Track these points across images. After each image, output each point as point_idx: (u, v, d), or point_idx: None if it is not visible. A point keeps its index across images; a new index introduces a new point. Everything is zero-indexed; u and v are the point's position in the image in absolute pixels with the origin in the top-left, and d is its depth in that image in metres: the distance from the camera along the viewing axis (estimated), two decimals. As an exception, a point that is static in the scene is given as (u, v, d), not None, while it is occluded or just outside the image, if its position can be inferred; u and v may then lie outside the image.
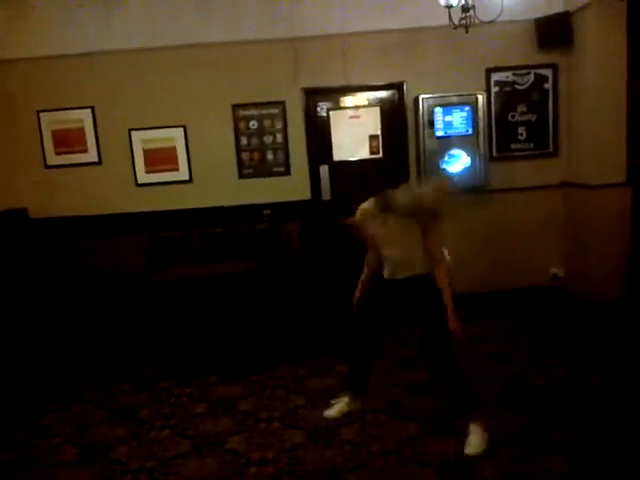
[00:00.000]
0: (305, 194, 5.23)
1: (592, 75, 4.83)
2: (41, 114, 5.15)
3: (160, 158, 5.21)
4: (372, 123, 5.27)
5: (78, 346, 4.21)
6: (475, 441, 2.90)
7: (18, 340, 4.14)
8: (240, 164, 5.26)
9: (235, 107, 5.18)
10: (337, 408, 3.39)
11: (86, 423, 3.54)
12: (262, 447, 3.08)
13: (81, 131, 5.20)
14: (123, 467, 2.99)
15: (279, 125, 5.23)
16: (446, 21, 4.28)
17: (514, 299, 5.28)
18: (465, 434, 2.96)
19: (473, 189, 5.17)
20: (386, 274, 3.12)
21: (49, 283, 4.37)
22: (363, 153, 5.29)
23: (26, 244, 4.88)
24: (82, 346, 4.22)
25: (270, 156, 5.26)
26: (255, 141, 5.25)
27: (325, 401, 3.54)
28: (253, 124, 5.22)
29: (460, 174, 5.12)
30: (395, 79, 5.19)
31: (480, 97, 5.09)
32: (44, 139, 5.20)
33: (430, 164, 5.11)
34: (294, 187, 5.22)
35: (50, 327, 4.18)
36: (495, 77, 5.22)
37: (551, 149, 5.28)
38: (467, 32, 4.26)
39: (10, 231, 4.91)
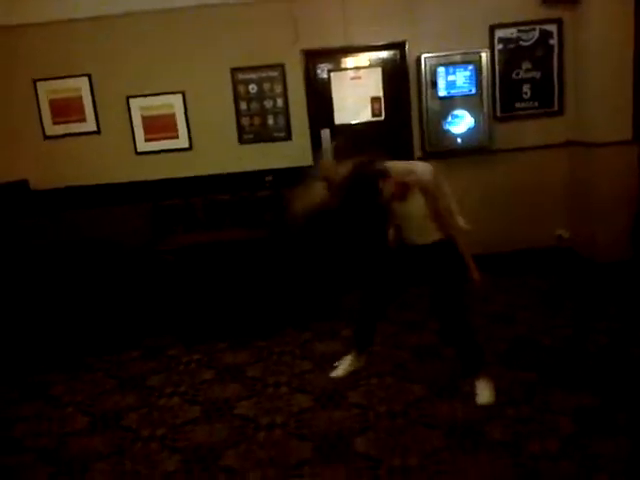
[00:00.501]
0: (307, 159, 5.17)
1: (598, 31, 4.70)
2: (38, 83, 5.07)
3: (159, 125, 5.14)
4: (374, 84, 5.17)
5: (85, 316, 4.23)
6: (486, 392, 3.02)
7: (24, 312, 4.15)
8: (240, 129, 5.19)
9: (234, 71, 5.08)
10: (342, 368, 3.47)
11: (96, 392, 3.58)
12: (270, 412, 3.12)
13: (79, 100, 5.12)
14: (134, 434, 3.03)
15: (279, 89, 5.14)
16: (448, -24, 4.16)
17: (519, 260, 5.27)
18: (472, 395, 3.03)
19: (477, 150, 5.11)
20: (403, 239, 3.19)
21: (53, 254, 4.37)
22: (365, 115, 5.21)
23: (28, 216, 4.86)
24: (89, 316, 4.24)
25: (271, 121, 5.18)
26: (255, 105, 5.16)
27: (331, 365, 3.57)
28: (252, 88, 5.13)
29: (464, 134, 5.04)
30: (396, 38, 5.06)
31: (484, 55, 4.97)
32: (42, 109, 5.13)
33: (433, 125, 5.03)
34: (296, 152, 5.15)
35: (55, 298, 4.19)
36: (499, 34, 5.08)
37: (556, 107, 5.18)
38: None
39: (11, 203, 4.90)
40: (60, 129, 5.18)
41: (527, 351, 3.59)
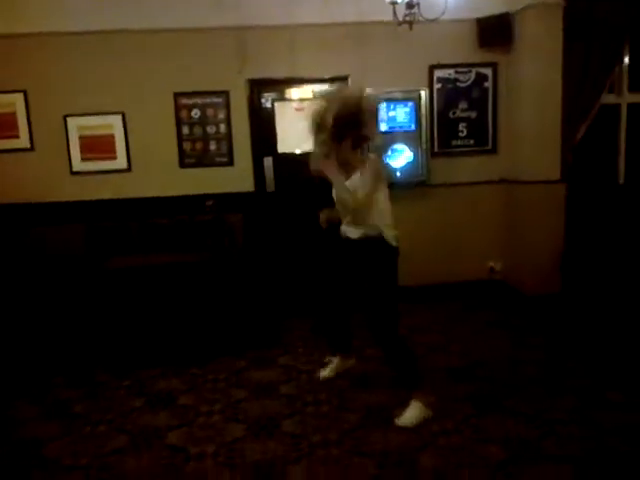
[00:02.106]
0: (249, 186, 5.17)
1: (529, 75, 5.00)
2: (-32, 96, 4.88)
3: (97, 146, 5.02)
4: (317, 116, 5.25)
5: (6, 340, 4.00)
6: (409, 413, 3.06)
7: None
8: (182, 153, 5.14)
9: (177, 95, 5.06)
10: (331, 367, 3.59)
11: (17, 420, 3.37)
12: (201, 441, 3.03)
13: (12, 115, 4.95)
14: (55, 465, 2.87)
15: (222, 115, 5.14)
16: (391, 17, 4.31)
17: (452, 292, 5.42)
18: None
19: (414, 184, 5.26)
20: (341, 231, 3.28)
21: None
22: (308, 146, 5.24)
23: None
24: (10, 340, 4.02)
25: (213, 146, 5.17)
26: (197, 130, 5.14)
27: (266, 393, 3.53)
28: (196, 113, 5.11)
29: (402, 169, 5.19)
30: (340, 72, 5.19)
31: (423, 93, 5.18)
32: (-29, 122, 4.92)
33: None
34: (237, 178, 5.15)
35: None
36: (438, 74, 5.31)
37: (490, 146, 5.43)
38: (411, 29, 4.31)
39: None
40: (-10, 145, 4.97)
41: (460, 381, 3.65)
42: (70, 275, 4.25)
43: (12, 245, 4.57)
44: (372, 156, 3.18)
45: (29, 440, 3.12)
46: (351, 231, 3.17)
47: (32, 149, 5.00)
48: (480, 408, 3.26)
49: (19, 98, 4.94)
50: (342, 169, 3.05)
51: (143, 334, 4.15)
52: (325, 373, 3.63)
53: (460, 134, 5.39)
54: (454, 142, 5.39)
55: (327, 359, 3.75)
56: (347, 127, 2.98)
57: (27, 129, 4.97)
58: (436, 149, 5.35)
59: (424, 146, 5.21)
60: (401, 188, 5.28)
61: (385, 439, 2.97)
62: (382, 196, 3.08)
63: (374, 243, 3.05)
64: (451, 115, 5.36)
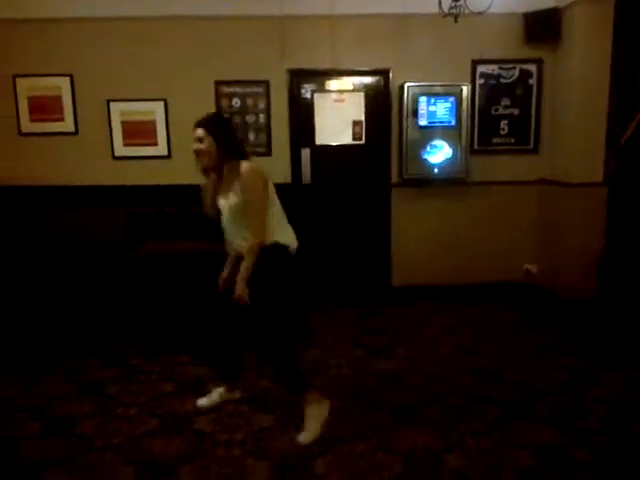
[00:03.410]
0: (285, 177, 5.18)
1: (576, 72, 4.86)
2: (17, 79, 4.99)
3: (139, 131, 5.10)
4: (356, 108, 5.23)
5: (47, 320, 4.13)
6: (310, 425, 2.92)
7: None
8: (220, 142, 5.17)
9: (218, 84, 5.09)
10: (209, 397, 3.35)
11: (52, 397, 3.48)
12: (230, 429, 3.07)
13: (58, 99, 5.05)
14: (88, 442, 2.95)
15: (262, 105, 5.16)
16: (436, 9, 4.24)
17: (486, 292, 5.35)
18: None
19: (452, 181, 5.20)
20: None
21: (18, 254, 4.27)
22: (346, 138, 5.26)
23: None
24: (51, 320, 4.14)
25: (252, 136, 5.19)
26: (237, 119, 5.16)
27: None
28: (236, 102, 5.14)
29: (441, 165, 5.13)
30: (381, 65, 5.15)
31: (465, 88, 5.09)
32: (19, 105, 5.04)
33: (412, 153, 5.11)
34: (275, 169, 5.12)
35: (18, 300, 4.09)
36: (481, 69, 5.21)
37: (531, 145, 5.31)
38: (456, 22, 4.23)
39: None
40: (37, 127, 5.09)
41: (490, 384, 3.61)
42: (109, 258, 4.34)
43: (57, 225, 4.67)
44: (245, 166, 2.84)
45: (64, 417, 3.23)
46: (242, 246, 2.95)
47: (76, 133, 5.11)
48: (509, 412, 3.22)
49: (65, 82, 5.04)
50: (220, 183, 2.95)
51: (175, 320, 4.21)
52: (203, 402, 3.33)
53: (501, 132, 5.29)
54: (494, 140, 5.30)
55: (212, 387, 3.44)
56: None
57: (72, 113, 5.07)
58: (476, 146, 5.26)
59: (464, 143, 5.13)
60: (438, 185, 5.25)
61: (412, 437, 2.97)
62: (270, 210, 2.90)
63: (265, 253, 2.87)
64: (493, 112, 5.26)
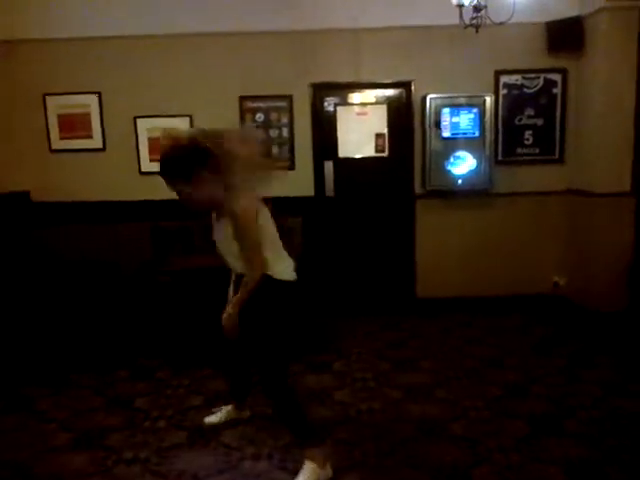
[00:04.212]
0: (309, 190, 5.21)
1: (601, 81, 4.81)
2: (47, 97, 5.13)
3: (165, 147, 5.18)
4: (379, 121, 5.25)
5: (76, 333, 4.20)
6: (301, 478, 2.68)
7: (16, 324, 4.12)
8: (245, 157, 5.23)
9: (242, 99, 5.16)
10: (218, 415, 3.31)
11: (81, 409, 3.54)
12: (256, 442, 3.08)
13: (87, 116, 5.17)
14: (116, 455, 2.99)
15: (285, 119, 5.21)
16: (457, 20, 4.26)
17: (512, 305, 5.28)
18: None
19: (477, 192, 5.18)
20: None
21: (49, 268, 4.36)
22: (368, 151, 5.27)
23: (27, 227, 4.87)
24: (80, 333, 4.21)
25: (275, 150, 5.24)
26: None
27: (320, 399, 3.55)
28: (259, 117, 5.20)
29: (465, 176, 5.11)
30: (403, 77, 5.16)
31: (488, 99, 5.07)
32: (49, 123, 5.17)
33: (435, 164, 5.11)
34: (298, 182, 5.19)
35: (48, 312, 4.17)
36: (504, 79, 5.19)
37: (557, 155, 5.26)
38: (477, 32, 4.26)
39: (12, 214, 4.90)
40: (66, 144, 5.21)
41: (517, 398, 3.57)
42: (138, 273, 4.41)
43: (84, 240, 4.76)
44: (240, 207, 2.56)
45: (93, 429, 3.27)
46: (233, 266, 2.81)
47: (104, 149, 5.21)
48: (538, 427, 3.17)
49: (94, 99, 5.16)
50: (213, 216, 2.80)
51: (202, 334, 4.24)
52: (212, 419, 3.30)
53: (525, 142, 5.25)
54: (519, 150, 5.26)
55: (220, 407, 3.39)
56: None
57: (100, 129, 5.19)
58: (500, 157, 5.22)
59: (487, 153, 5.10)
60: (463, 196, 5.22)
61: (440, 452, 2.94)
62: (264, 242, 2.66)
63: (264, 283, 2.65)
64: (517, 122, 5.23)
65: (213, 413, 3.35)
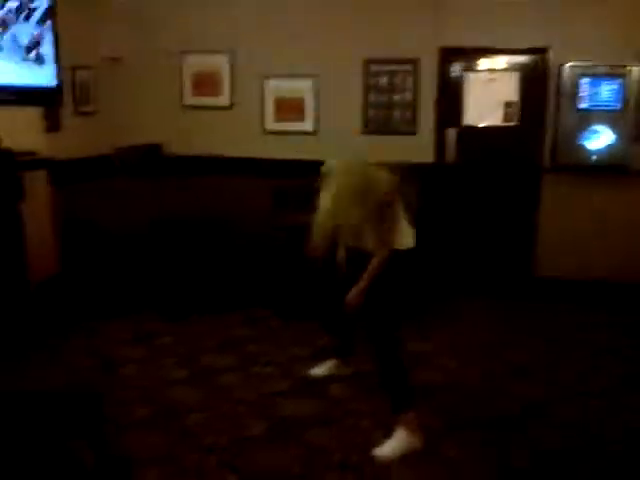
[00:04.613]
0: (429, 156, 5.10)
1: None
2: (183, 55, 5.39)
3: (289, 107, 5.28)
4: (509, 89, 4.98)
5: (197, 278, 4.47)
6: (391, 444, 2.68)
7: (147, 266, 4.45)
8: (365, 120, 5.21)
9: (368, 62, 5.11)
10: (322, 368, 3.41)
11: (198, 348, 3.80)
12: (360, 399, 3.14)
13: (218, 75, 5.37)
14: (227, 394, 3.18)
15: (410, 83, 5.10)
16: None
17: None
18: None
19: (613, 169, 4.80)
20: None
21: (177, 216, 4.66)
22: (495, 119, 5.04)
23: (158, 177, 5.20)
24: (200, 278, 4.48)
25: (397, 114, 5.15)
26: (383, 98, 5.16)
27: (424, 364, 3.54)
28: (384, 80, 5.13)
29: (600, 151, 4.76)
30: (540, 43, 4.85)
31: (635, 70, 4.64)
32: (184, 79, 5.44)
33: (568, 138, 4.80)
34: (418, 148, 5.09)
35: (176, 257, 4.47)
36: (656, 49, 4.72)
37: None
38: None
39: (144, 164, 5.25)
40: (197, 100, 5.47)
41: (631, 390, 3.34)
42: (257, 225, 4.62)
43: (210, 192, 5.01)
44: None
45: (208, 368, 3.51)
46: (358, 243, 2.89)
47: (231, 107, 5.41)
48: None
49: (225, 59, 5.34)
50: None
51: (312, 289, 4.35)
52: (317, 371, 3.41)
53: (674, 119, 4.77)
54: (664, 127, 4.79)
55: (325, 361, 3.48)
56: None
57: (229, 88, 5.38)
58: (642, 133, 4.80)
59: (628, 129, 4.70)
60: (596, 173, 4.88)
61: (541, 434, 2.84)
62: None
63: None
64: (665, 96, 4.76)
65: (318, 366, 3.45)
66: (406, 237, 2.89)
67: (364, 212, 2.71)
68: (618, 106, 4.71)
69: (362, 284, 2.78)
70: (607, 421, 2.97)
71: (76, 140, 4.91)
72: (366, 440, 2.74)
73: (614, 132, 4.73)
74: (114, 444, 2.60)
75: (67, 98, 4.82)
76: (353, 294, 2.80)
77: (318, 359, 3.55)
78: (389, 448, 2.67)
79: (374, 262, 2.76)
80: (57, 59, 4.48)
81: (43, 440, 2.23)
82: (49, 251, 4.31)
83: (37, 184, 4.18)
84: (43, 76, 4.38)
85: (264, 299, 4.55)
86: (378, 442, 2.69)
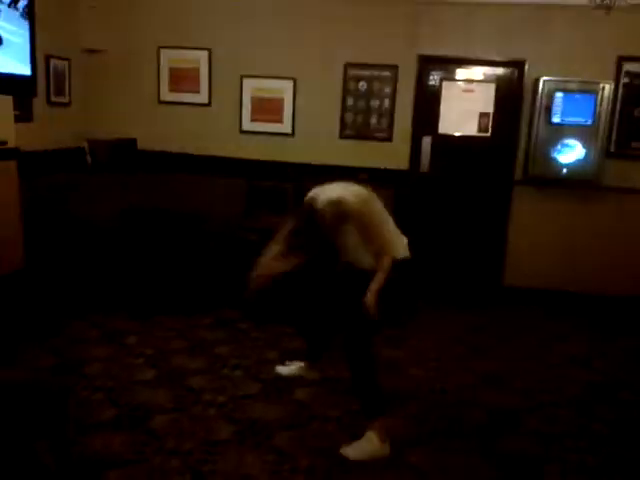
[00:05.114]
0: (403, 163, 5.14)
1: None
2: (162, 50, 5.32)
3: (266, 108, 5.26)
4: (485, 99, 5.06)
5: (165, 276, 4.41)
6: (359, 445, 2.69)
7: (112, 262, 4.38)
8: (342, 125, 5.23)
9: (348, 66, 5.12)
10: (289, 369, 3.44)
11: (166, 349, 3.75)
12: (326, 404, 3.14)
13: (196, 71, 5.32)
14: (196, 396, 3.15)
15: (388, 89, 5.14)
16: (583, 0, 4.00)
17: (611, 305, 4.99)
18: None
19: (583, 184, 4.91)
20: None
21: (146, 212, 4.60)
22: (470, 129, 5.11)
23: (131, 172, 5.12)
24: (169, 277, 4.42)
25: (374, 120, 5.19)
26: (361, 103, 5.18)
27: (394, 371, 3.56)
28: (362, 85, 5.15)
29: (571, 165, 4.86)
30: (516, 56, 4.94)
31: (607, 87, 4.76)
32: (161, 75, 5.37)
33: (540, 150, 4.89)
34: (393, 154, 5.14)
35: (143, 254, 4.40)
36: (627, 67, 4.85)
37: (677, 153, 4.88)
38: (608, 14, 3.96)
39: (118, 158, 5.17)
40: (174, 96, 5.41)
41: (600, 401, 3.41)
42: (227, 226, 4.56)
43: (182, 189, 4.96)
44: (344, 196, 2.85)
45: (176, 369, 3.47)
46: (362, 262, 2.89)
47: (209, 104, 5.37)
48: (619, 432, 3.03)
49: (204, 55, 5.29)
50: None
51: (284, 292, 4.33)
52: (283, 371, 3.46)
53: (643, 136, 4.91)
54: (635, 144, 4.92)
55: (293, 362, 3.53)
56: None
57: (207, 86, 5.33)
58: (612, 149, 4.91)
59: (599, 144, 4.81)
60: (566, 187, 4.98)
61: (510, 443, 2.88)
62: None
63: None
64: (636, 114, 4.88)
65: (286, 365, 3.47)
66: (398, 245, 2.91)
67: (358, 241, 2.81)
68: (590, 121, 4.82)
69: (374, 286, 2.75)
70: (577, 431, 3.02)
71: (48, 131, 4.81)
72: (332, 445, 2.73)
73: (585, 147, 4.84)
74: (78, 445, 2.55)
75: (40, 88, 4.71)
76: (369, 298, 2.74)
77: (286, 360, 3.56)
78: (357, 449, 2.67)
79: (383, 264, 2.75)
80: (32, 47, 4.35)
81: (2, 440, 2.18)
82: (15, 245, 4.20)
83: (6, 175, 4.07)
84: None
85: (234, 301, 4.51)
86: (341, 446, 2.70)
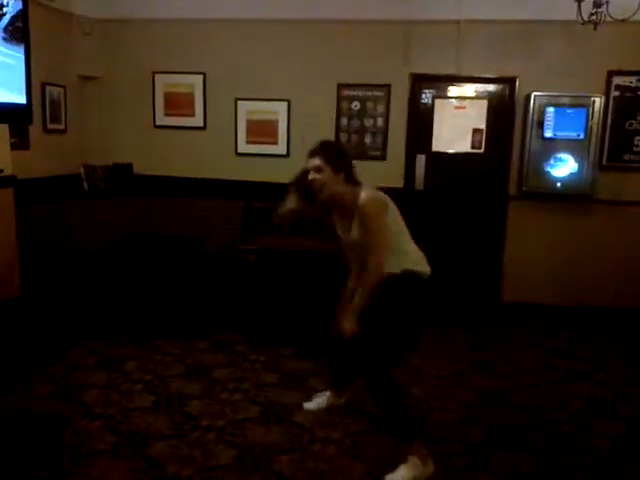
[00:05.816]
0: (398, 182, 5.17)
1: None
2: (156, 75, 5.37)
3: (262, 130, 5.31)
4: (477, 116, 5.11)
5: (163, 301, 4.40)
6: (402, 471, 2.63)
7: (110, 287, 4.37)
8: (337, 144, 5.26)
9: (340, 86, 5.17)
10: (317, 402, 3.32)
11: (164, 374, 3.72)
12: (327, 425, 3.12)
13: (191, 96, 5.38)
14: (194, 422, 3.12)
15: (381, 108, 5.18)
16: (571, 16, 4.07)
17: (609, 318, 4.99)
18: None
19: (577, 197, 4.93)
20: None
21: (146, 237, 4.60)
22: (464, 146, 5.14)
23: (128, 197, 5.14)
24: (166, 301, 4.41)
25: (368, 139, 5.23)
26: (355, 122, 5.23)
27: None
28: (356, 105, 5.20)
29: (565, 179, 4.89)
30: (507, 73, 4.99)
31: (597, 100, 4.80)
32: (156, 99, 5.43)
33: (533, 165, 4.93)
34: (388, 173, 5.16)
35: (139, 279, 4.39)
36: (617, 81, 4.90)
37: (669, 164, 4.92)
38: (596, 29, 4.02)
39: (115, 184, 5.19)
40: (169, 120, 5.46)
41: (602, 415, 3.39)
42: (225, 247, 4.56)
43: (179, 213, 4.97)
44: (363, 196, 2.73)
45: (175, 394, 3.44)
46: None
47: (204, 128, 5.41)
48: (623, 448, 3.00)
49: (198, 79, 5.35)
50: (338, 214, 2.91)
51: (283, 313, 4.33)
52: (310, 405, 3.31)
53: (635, 148, 4.94)
54: (626, 157, 4.95)
55: (313, 382, 3.54)
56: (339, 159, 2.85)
57: (202, 109, 5.38)
58: (605, 162, 4.95)
59: (592, 158, 4.85)
60: (561, 201, 5.01)
61: (514, 460, 2.86)
62: (398, 238, 2.80)
63: (397, 280, 2.74)
64: (627, 127, 4.92)
65: (312, 400, 3.35)
66: (416, 262, 2.83)
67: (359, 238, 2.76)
68: (582, 135, 4.85)
69: (353, 308, 2.74)
70: (578, 447, 3.00)
71: (45, 158, 4.84)
72: (332, 468, 2.72)
73: (578, 160, 4.87)
74: (75, 475, 2.53)
75: (36, 115, 4.75)
76: (344, 324, 2.75)
77: (288, 385, 3.55)
78: (400, 475, 2.62)
79: (363, 287, 2.73)
80: (28, 75, 4.39)
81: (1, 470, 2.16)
82: (12, 272, 4.20)
83: (2, 203, 4.08)
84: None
85: (233, 324, 4.51)
86: (342, 469, 2.67)
